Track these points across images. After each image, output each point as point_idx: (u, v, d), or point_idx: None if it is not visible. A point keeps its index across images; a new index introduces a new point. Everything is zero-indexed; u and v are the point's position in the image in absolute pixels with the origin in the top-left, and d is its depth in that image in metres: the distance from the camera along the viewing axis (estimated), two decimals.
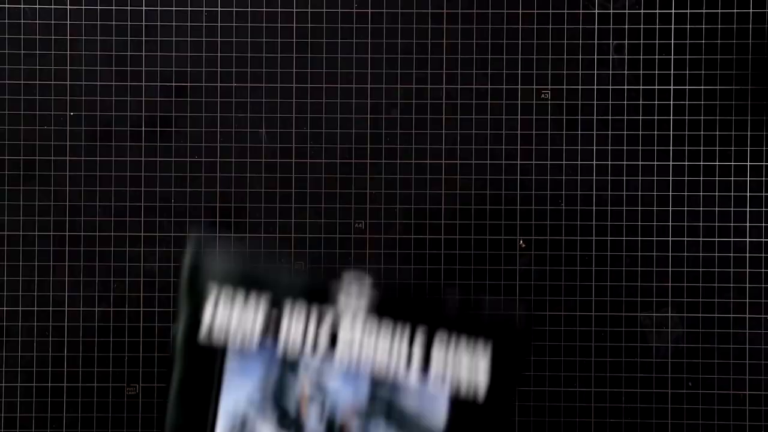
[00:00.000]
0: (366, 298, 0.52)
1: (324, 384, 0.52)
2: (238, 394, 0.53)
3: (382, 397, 0.53)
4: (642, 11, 0.68)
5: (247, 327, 0.53)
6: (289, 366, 0.53)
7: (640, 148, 0.68)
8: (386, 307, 0.52)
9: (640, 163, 0.68)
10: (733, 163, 0.68)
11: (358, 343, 0.52)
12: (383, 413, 0.52)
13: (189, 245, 0.53)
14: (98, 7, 0.69)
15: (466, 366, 0.52)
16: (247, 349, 0.53)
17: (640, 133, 0.68)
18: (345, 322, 0.52)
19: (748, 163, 0.68)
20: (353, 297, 0.52)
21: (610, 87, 0.68)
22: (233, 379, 0.53)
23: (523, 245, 0.68)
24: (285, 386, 0.53)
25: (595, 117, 0.68)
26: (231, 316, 0.52)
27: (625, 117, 0.68)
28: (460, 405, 0.52)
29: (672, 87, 0.68)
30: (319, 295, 0.52)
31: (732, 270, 0.68)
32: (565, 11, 0.68)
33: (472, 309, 0.68)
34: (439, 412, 0.52)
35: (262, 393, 0.53)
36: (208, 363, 0.53)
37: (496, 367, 0.52)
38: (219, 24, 0.69)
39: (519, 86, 0.68)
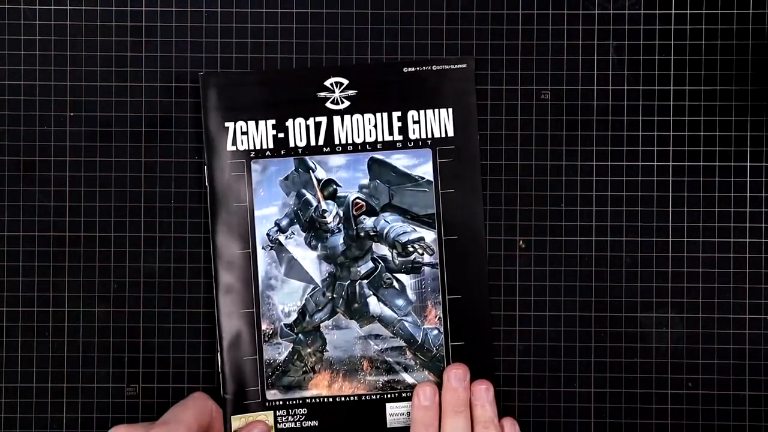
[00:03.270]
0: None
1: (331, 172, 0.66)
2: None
3: (378, 166, 0.66)
4: (642, 11, 0.68)
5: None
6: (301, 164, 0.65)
7: (640, 148, 0.68)
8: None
9: (640, 163, 0.68)
10: (733, 163, 0.68)
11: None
12: (382, 180, 0.66)
13: None
14: (98, 8, 0.69)
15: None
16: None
17: (640, 133, 0.68)
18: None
19: (748, 164, 0.68)
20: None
21: (610, 87, 0.68)
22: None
23: (523, 245, 0.68)
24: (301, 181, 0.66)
25: (595, 117, 0.68)
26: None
27: (625, 117, 0.68)
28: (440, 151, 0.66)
29: (672, 87, 0.68)
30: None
31: (732, 270, 0.68)
32: (565, 11, 0.68)
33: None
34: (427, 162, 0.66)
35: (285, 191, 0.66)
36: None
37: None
38: (219, 24, 0.69)
39: (519, 87, 0.68)
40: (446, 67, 0.67)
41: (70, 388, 0.69)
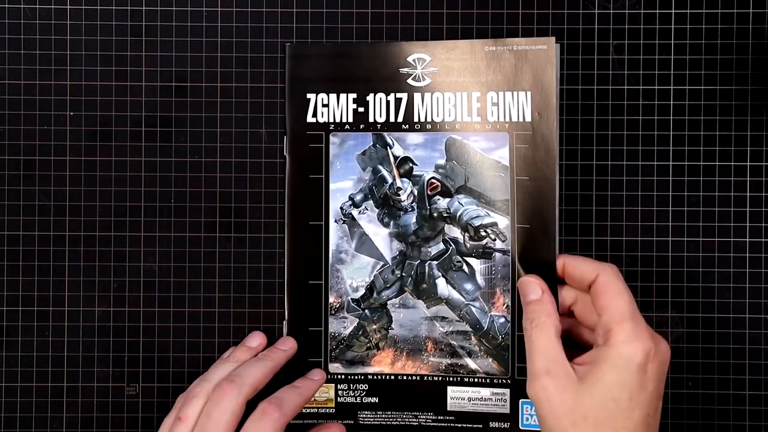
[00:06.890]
0: None
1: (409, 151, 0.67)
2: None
3: (456, 147, 0.66)
4: (642, 11, 0.68)
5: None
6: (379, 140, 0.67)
7: (640, 148, 0.68)
8: None
9: (640, 163, 0.68)
10: (733, 163, 0.68)
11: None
12: (459, 161, 0.66)
13: None
14: (98, 7, 0.69)
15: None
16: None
17: (640, 133, 0.68)
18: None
19: (748, 163, 0.68)
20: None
21: (610, 87, 0.68)
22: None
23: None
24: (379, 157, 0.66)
25: (595, 117, 0.68)
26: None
27: (625, 117, 0.68)
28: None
29: (672, 87, 0.68)
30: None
31: (732, 270, 0.68)
32: (565, 11, 0.68)
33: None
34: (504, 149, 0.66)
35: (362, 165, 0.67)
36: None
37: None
38: (219, 24, 0.69)
39: None
40: (526, 47, 0.65)
41: (70, 388, 0.69)
